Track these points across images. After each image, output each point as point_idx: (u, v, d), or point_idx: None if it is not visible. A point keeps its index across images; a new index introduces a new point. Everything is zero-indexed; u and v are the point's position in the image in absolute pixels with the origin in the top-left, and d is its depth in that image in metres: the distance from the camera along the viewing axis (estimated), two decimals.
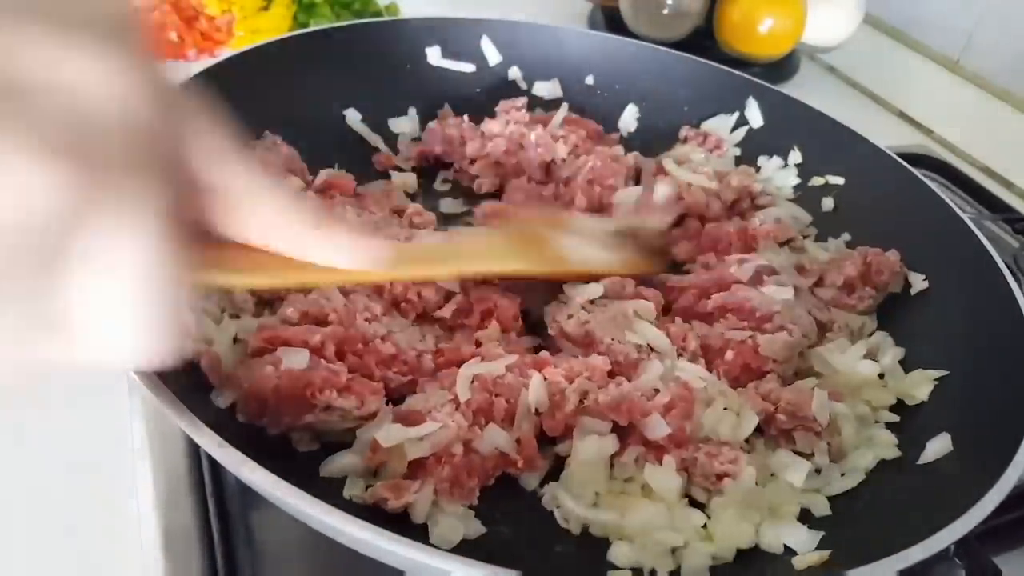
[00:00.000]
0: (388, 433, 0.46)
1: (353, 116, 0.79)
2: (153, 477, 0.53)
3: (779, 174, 0.81)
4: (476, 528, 0.46)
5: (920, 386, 0.58)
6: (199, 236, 0.30)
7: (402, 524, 0.45)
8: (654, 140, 0.85)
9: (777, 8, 1.11)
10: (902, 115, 1.23)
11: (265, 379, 0.47)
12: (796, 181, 0.80)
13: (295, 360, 0.48)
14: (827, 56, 1.29)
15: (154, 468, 0.53)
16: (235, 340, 0.51)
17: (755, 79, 0.84)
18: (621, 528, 0.48)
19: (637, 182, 0.79)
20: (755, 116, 0.83)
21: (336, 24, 0.80)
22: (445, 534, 0.45)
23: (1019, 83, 1.07)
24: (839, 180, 0.77)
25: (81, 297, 0.24)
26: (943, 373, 0.58)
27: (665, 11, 1.13)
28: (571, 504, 0.48)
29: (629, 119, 0.88)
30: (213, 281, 0.34)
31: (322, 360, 0.49)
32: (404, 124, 0.82)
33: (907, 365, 0.61)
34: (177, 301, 0.26)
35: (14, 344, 0.23)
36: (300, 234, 0.33)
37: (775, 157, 0.82)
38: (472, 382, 0.51)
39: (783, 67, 1.21)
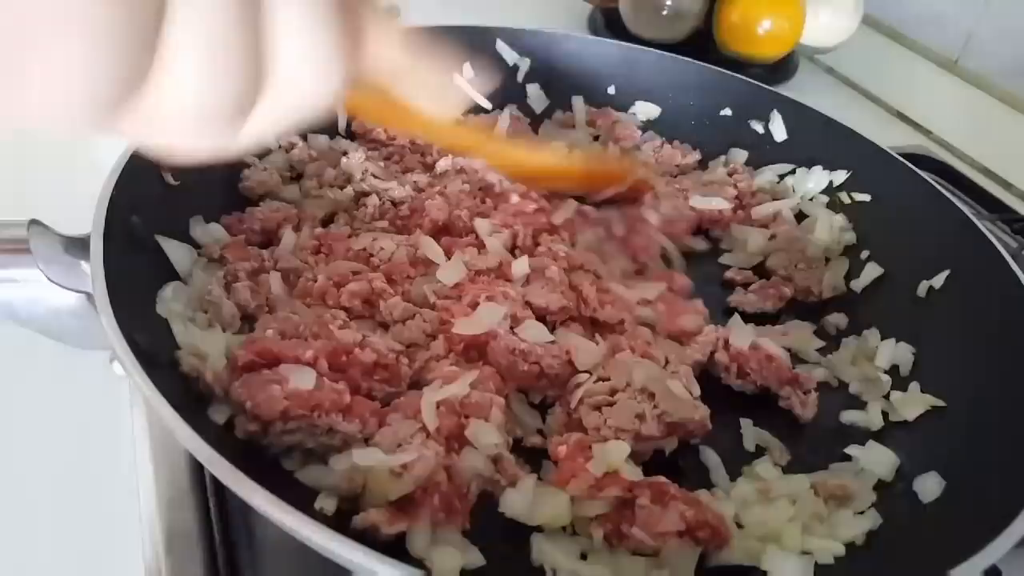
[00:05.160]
0: (366, 454, 0.45)
1: None
2: (155, 477, 0.53)
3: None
4: (476, 557, 0.45)
5: (912, 405, 0.58)
6: None
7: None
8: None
9: (776, 9, 1.11)
10: (901, 116, 1.22)
11: (272, 400, 0.46)
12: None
13: (302, 379, 0.47)
14: (826, 57, 1.29)
15: (155, 468, 0.53)
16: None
17: (784, 93, 0.83)
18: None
19: None
20: (779, 129, 0.82)
21: None
22: (445, 563, 0.43)
23: (1018, 83, 1.08)
24: (864, 197, 0.76)
25: (280, 31, 0.28)
26: (940, 403, 0.58)
27: (664, 12, 1.13)
28: (561, 559, 0.46)
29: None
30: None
31: (324, 379, 0.49)
32: None
33: (912, 376, 0.62)
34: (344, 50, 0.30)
35: (243, 87, 0.27)
36: (406, 68, 0.37)
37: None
38: (438, 408, 0.50)
39: (782, 68, 1.21)
